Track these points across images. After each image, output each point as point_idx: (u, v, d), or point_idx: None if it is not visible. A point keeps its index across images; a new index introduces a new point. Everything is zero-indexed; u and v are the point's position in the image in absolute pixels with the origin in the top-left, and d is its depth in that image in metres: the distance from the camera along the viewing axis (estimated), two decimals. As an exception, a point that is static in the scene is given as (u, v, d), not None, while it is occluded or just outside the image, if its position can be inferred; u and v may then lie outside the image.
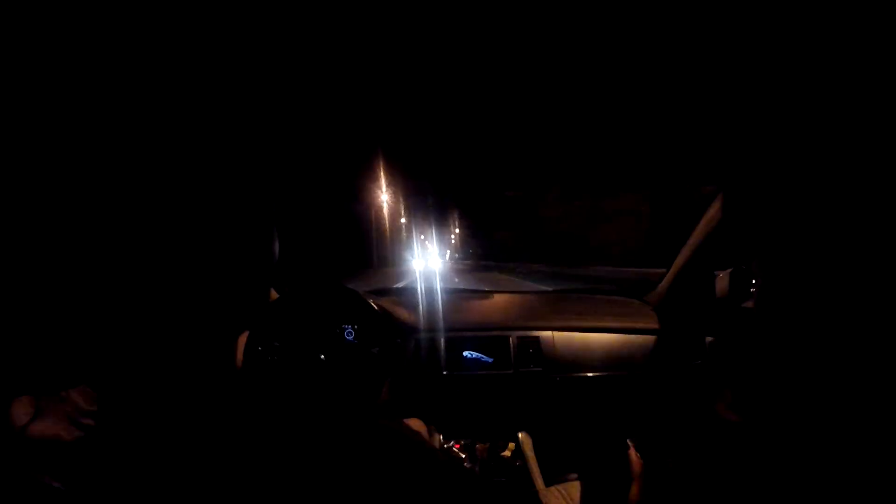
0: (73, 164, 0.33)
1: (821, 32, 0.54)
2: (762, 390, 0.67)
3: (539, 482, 1.13)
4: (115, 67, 0.33)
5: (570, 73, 0.63)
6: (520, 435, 1.24)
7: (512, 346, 1.42)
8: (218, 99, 0.38)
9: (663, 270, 1.59)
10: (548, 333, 1.45)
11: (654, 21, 0.55)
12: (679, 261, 1.49)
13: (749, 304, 1.41)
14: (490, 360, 1.41)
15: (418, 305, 1.55)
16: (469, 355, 1.41)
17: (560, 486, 1.15)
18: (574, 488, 1.14)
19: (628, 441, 1.09)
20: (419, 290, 1.67)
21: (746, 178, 0.79)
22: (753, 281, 1.39)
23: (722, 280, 1.44)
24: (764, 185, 0.67)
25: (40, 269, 0.34)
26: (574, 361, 1.42)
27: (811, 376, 0.58)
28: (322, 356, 1.22)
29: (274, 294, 1.41)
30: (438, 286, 1.65)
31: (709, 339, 1.44)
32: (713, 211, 1.28)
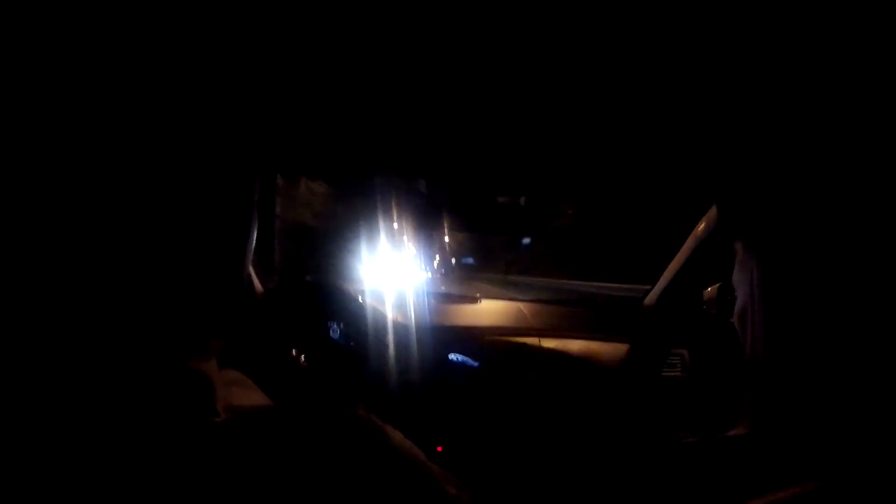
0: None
1: (819, 36, 0.55)
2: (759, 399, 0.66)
3: None
4: (94, 62, 0.32)
5: (569, 74, 0.64)
6: None
7: (498, 350, 1.43)
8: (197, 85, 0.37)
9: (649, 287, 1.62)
10: (534, 341, 1.46)
11: (648, 25, 0.55)
12: (667, 274, 1.51)
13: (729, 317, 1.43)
14: (475, 364, 1.42)
15: (406, 306, 1.55)
16: (455, 358, 1.42)
17: None
18: None
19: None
20: (407, 291, 1.69)
21: (744, 188, 0.78)
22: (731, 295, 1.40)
23: (709, 295, 1.47)
24: (764, 195, 0.67)
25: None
26: (555, 367, 1.44)
27: (814, 385, 0.57)
28: (305, 354, 1.22)
29: (259, 287, 1.42)
30: (427, 289, 1.66)
31: (682, 351, 1.46)
32: (704, 224, 1.31)
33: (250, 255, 0.46)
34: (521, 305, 1.68)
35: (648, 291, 1.66)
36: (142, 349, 0.35)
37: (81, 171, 0.32)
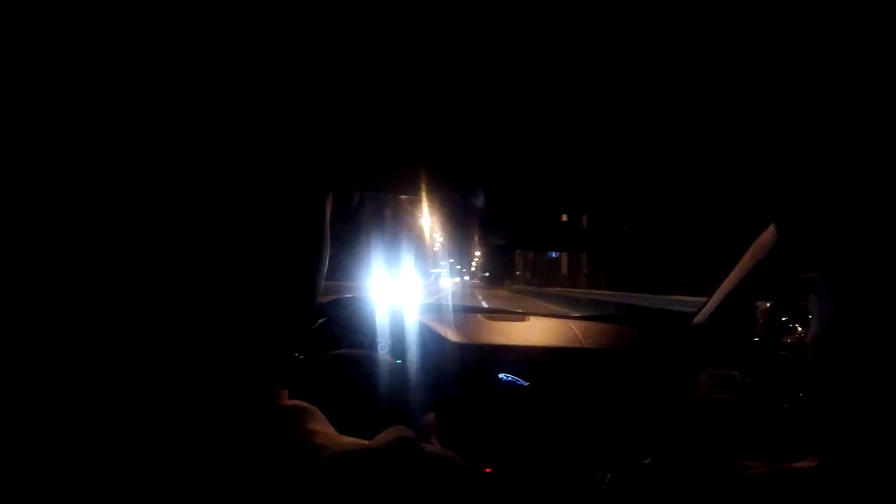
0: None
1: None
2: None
3: None
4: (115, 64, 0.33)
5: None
6: None
7: (549, 370, 1.40)
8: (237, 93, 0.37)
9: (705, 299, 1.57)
10: (584, 357, 1.43)
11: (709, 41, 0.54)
12: (720, 292, 1.46)
13: (790, 339, 1.38)
14: (526, 384, 1.40)
15: (453, 323, 1.55)
16: (505, 378, 1.40)
17: None
18: None
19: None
20: (453, 308, 1.68)
21: (805, 203, 0.75)
22: (791, 317, 1.36)
23: (762, 314, 1.42)
24: (826, 210, 0.64)
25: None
26: (609, 387, 1.40)
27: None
28: (360, 370, 1.23)
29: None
30: (474, 306, 1.66)
31: (734, 372, 1.41)
32: (762, 242, 1.26)
33: (322, 277, 0.46)
34: (570, 323, 1.65)
35: (698, 308, 1.60)
36: (216, 376, 0.35)
37: (160, 190, 0.33)
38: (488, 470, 1.33)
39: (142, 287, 0.33)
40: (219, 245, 0.35)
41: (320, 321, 1.40)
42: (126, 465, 0.31)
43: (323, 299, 1.47)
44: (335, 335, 1.33)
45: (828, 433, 0.62)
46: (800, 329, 1.40)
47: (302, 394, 0.45)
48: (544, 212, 1.08)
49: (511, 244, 1.26)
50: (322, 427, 0.39)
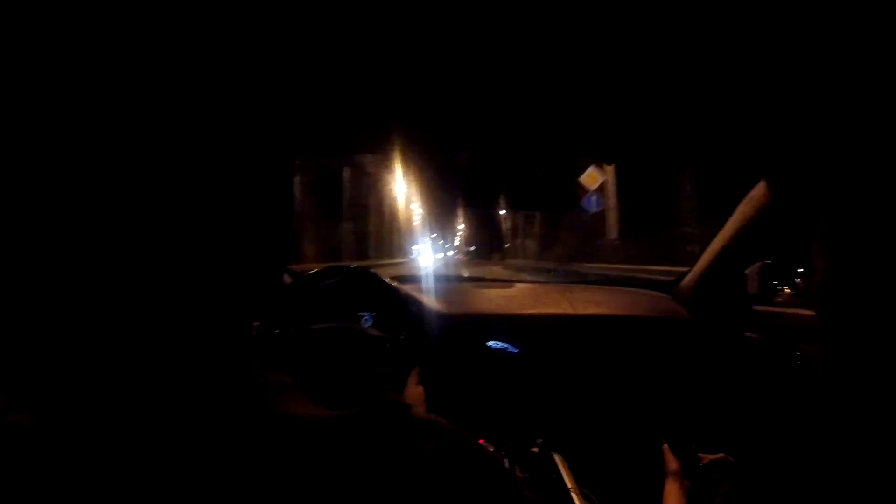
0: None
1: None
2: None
3: None
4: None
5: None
6: (557, 461, 1.19)
7: (539, 335, 1.38)
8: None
9: (687, 269, 1.55)
10: (576, 322, 1.41)
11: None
12: (708, 255, 1.44)
13: (780, 300, 1.38)
14: (516, 350, 1.37)
15: (439, 293, 1.52)
16: (494, 345, 1.38)
17: None
18: None
19: (662, 440, 1.05)
20: (436, 279, 1.65)
21: (800, 164, 0.74)
22: (791, 278, 1.36)
23: (752, 276, 1.41)
24: (825, 171, 0.63)
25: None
26: (604, 352, 1.39)
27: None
28: (339, 344, 1.19)
29: (286, 277, 1.40)
30: (459, 275, 1.63)
31: (749, 334, 1.39)
32: (751, 202, 1.23)
33: (287, 245, 0.43)
34: (557, 287, 1.63)
35: (681, 274, 1.59)
36: (179, 347, 0.33)
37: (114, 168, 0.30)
38: (481, 441, 1.31)
39: (88, 253, 0.30)
40: (173, 210, 0.32)
41: (301, 293, 1.36)
42: (95, 444, 0.29)
43: (307, 269, 1.43)
44: (317, 308, 1.28)
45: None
46: (788, 290, 1.40)
47: (279, 368, 0.42)
48: (531, 166, 1.03)
49: (497, 203, 1.20)
50: (297, 398, 0.36)
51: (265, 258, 0.39)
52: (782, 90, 0.65)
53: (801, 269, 1.39)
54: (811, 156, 0.70)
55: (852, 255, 0.58)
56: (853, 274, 0.58)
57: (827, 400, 0.67)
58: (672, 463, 0.99)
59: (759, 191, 1.21)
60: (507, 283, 1.67)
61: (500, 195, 1.13)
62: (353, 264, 1.62)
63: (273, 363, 0.40)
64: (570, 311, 1.46)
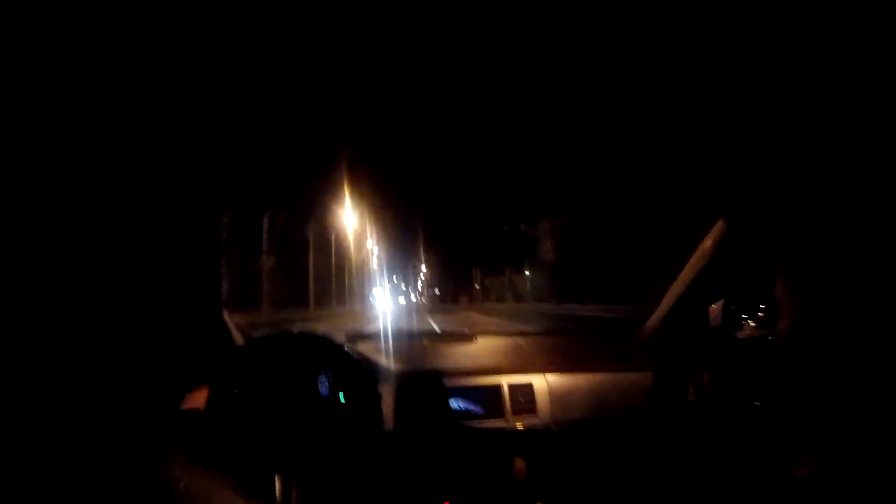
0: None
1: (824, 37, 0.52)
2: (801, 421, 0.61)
3: None
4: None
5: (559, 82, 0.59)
6: None
7: (504, 394, 1.33)
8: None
9: (650, 306, 1.56)
10: (540, 378, 1.37)
11: (649, 30, 0.52)
12: (671, 294, 1.45)
13: (744, 334, 1.39)
14: (481, 410, 1.32)
15: (396, 352, 1.46)
16: (457, 406, 1.32)
17: None
18: None
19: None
20: (394, 335, 1.59)
21: (757, 203, 0.75)
22: (753, 311, 1.37)
23: (714, 312, 1.42)
24: (781, 208, 0.63)
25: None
26: (571, 407, 1.35)
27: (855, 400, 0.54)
28: (294, 411, 1.11)
29: (238, 338, 1.31)
30: (418, 330, 1.57)
31: (704, 374, 1.39)
32: (711, 239, 1.25)
33: (219, 306, 0.39)
34: (519, 340, 1.60)
35: (639, 313, 1.59)
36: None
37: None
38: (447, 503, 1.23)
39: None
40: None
41: (253, 356, 1.27)
42: None
43: (250, 334, 1.34)
44: (263, 378, 1.20)
45: (816, 432, 0.60)
46: (752, 324, 1.41)
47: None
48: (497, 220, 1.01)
49: (462, 258, 1.18)
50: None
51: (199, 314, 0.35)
52: (741, 127, 0.65)
53: (763, 305, 1.41)
54: (769, 193, 0.70)
55: (816, 292, 0.58)
56: (819, 312, 0.58)
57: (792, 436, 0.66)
58: None
59: (717, 230, 1.23)
60: (469, 337, 1.62)
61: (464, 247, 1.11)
62: (295, 324, 1.54)
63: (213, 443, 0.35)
64: (535, 367, 1.43)
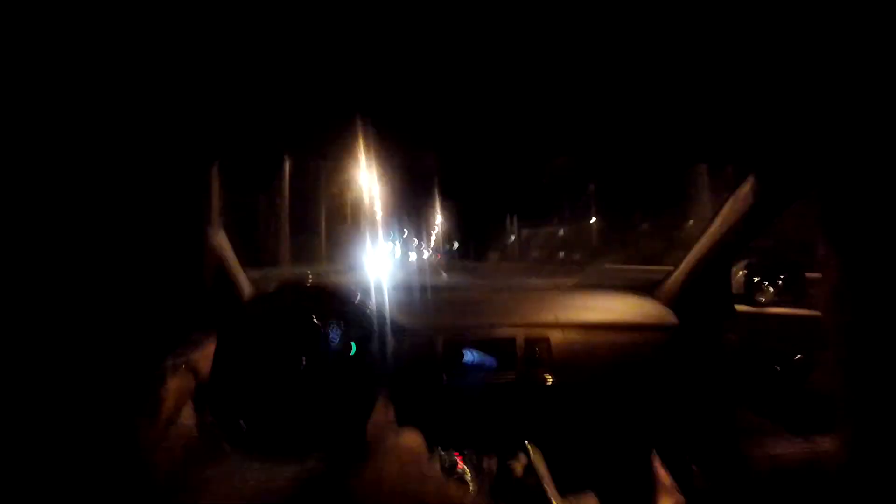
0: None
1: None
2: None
3: (556, 502, 1.02)
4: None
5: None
6: (529, 448, 1.13)
7: (518, 347, 1.31)
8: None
9: (671, 268, 1.50)
10: (557, 332, 1.34)
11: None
12: (694, 253, 1.39)
13: (766, 298, 1.35)
14: (494, 362, 1.30)
15: (411, 303, 1.44)
16: (471, 358, 1.30)
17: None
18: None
19: (653, 451, 0.99)
20: (411, 286, 1.57)
21: (787, 160, 0.71)
22: (773, 279, 1.34)
23: (737, 275, 1.38)
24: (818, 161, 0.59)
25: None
26: (587, 363, 1.33)
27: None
28: (304, 363, 1.10)
29: (246, 291, 1.29)
30: (433, 282, 1.55)
31: (730, 336, 1.35)
32: (739, 197, 1.18)
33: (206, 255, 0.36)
34: (540, 295, 1.57)
35: (665, 274, 1.54)
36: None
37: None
38: (457, 455, 1.23)
39: None
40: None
41: (261, 309, 1.26)
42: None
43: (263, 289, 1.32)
44: (272, 329, 1.19)
45: (846, 406, 0.58)
46: (772, 290, 1.37)
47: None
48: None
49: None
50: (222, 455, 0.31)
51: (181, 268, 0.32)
52: (774, 82, 0.61)
53: (786, 272, 1.37)
54: (805, 148, 0.65)
55: (860, 254, 0.54)
56: (864, 275, 0.54)
57: (831, 402, 0.64)
58: (663, 477, 0.93)
59: (746, 187, 1.16)
60: (485, 290, 1.60)
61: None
62: (309, 275, 1.53)
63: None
64: (553, 321, 1.40)
